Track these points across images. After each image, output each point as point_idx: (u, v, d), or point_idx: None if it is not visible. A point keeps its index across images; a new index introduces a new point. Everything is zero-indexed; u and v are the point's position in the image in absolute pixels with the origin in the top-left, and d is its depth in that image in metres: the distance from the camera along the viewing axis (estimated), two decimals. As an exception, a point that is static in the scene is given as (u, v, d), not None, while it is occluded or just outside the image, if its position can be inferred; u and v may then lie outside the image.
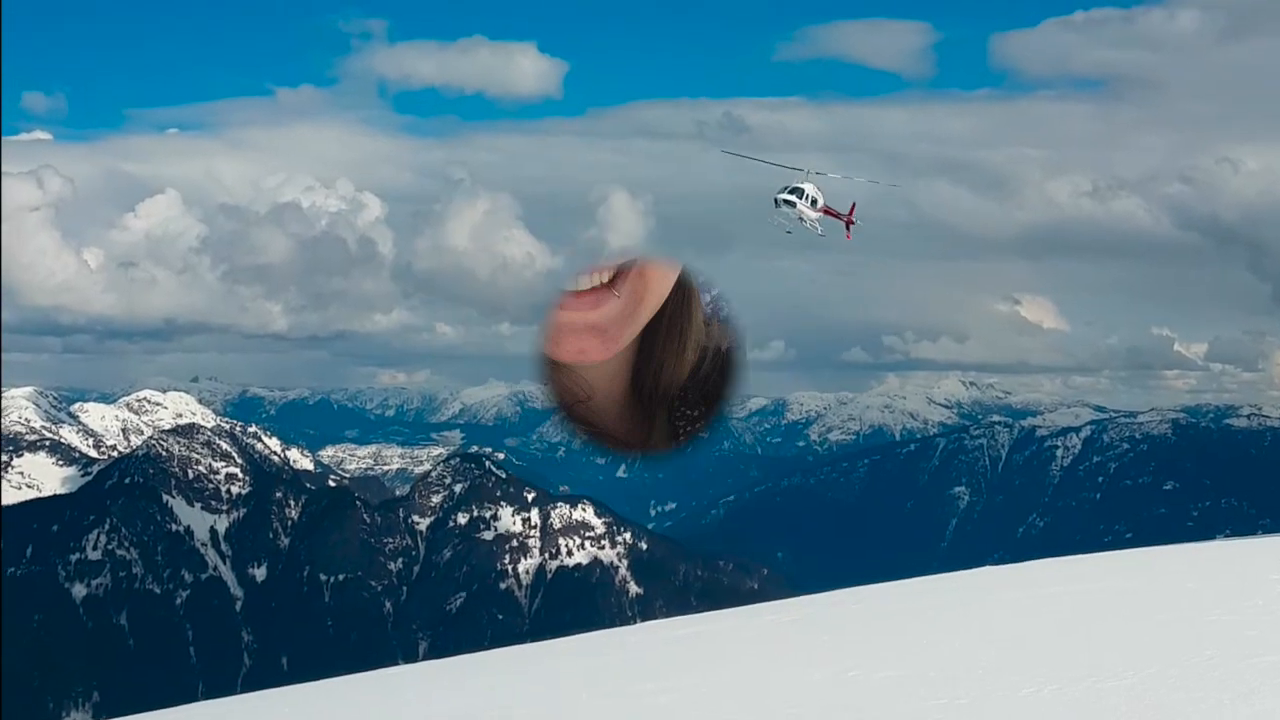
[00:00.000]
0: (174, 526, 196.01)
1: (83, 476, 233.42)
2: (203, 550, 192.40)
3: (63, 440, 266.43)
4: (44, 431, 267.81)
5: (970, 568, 37.22)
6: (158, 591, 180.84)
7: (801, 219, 77.26)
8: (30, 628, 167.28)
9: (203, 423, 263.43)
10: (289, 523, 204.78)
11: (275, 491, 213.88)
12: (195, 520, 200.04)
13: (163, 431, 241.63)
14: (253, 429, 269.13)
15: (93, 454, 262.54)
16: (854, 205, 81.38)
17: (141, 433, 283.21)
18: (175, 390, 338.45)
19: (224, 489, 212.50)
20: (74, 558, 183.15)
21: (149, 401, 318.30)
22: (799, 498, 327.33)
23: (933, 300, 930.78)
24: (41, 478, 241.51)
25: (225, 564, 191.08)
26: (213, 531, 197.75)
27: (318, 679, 24.51)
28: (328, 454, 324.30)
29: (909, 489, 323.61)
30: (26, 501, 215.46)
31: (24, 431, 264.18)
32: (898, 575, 35.15)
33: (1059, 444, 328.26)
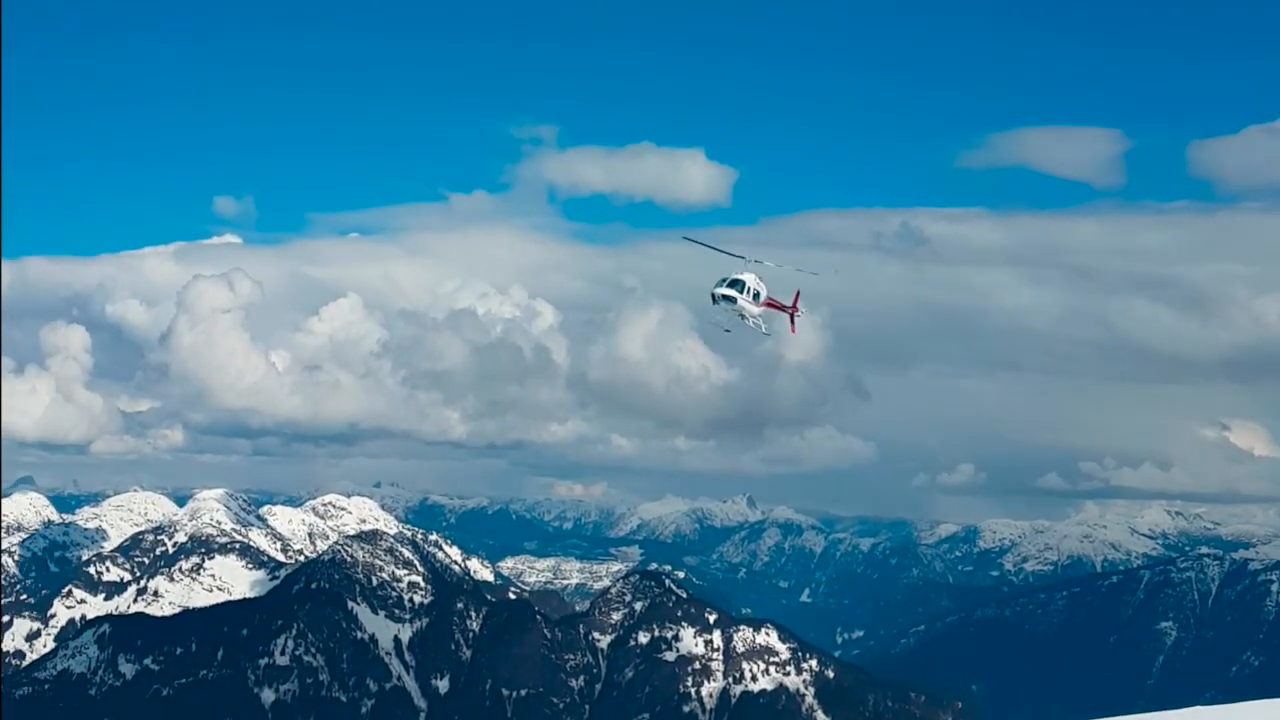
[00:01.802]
0: (359, 634, 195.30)
1: (271, 580, 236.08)
2: (387, 659, 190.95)
3: (252, 543, 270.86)
4: (234, 534, 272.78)
5: (1180, 707, 34.73)
6: (344, 700, 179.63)
7: (744, 316, 67.60)
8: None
9: (385, 529, 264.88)
10: (470, 634, 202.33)
11: (457, 602, 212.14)
12: (379, 628, 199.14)
13: (347, 537, 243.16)
14: (434, 537, 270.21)
15: (280, 558, 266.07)
16: (798, 294, 73.62)
17: (327, 537, 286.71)
18: (359, 495, 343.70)
19: (407, 597, 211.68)
20: (263, 662, 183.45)
21: (334, 506, 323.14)
22: (994, 629, 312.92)
23: (1133, 424, 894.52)
24: (232, 580, 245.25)
25: (409, 674, 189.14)
26: (396, 641, 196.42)
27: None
28: (507, 565, 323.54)
29: (1111, 623, 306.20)
30: (217, 605, 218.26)
31: (215, 534, 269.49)
32: (1100, 713, 32.81)
33: (1274, 578, 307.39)
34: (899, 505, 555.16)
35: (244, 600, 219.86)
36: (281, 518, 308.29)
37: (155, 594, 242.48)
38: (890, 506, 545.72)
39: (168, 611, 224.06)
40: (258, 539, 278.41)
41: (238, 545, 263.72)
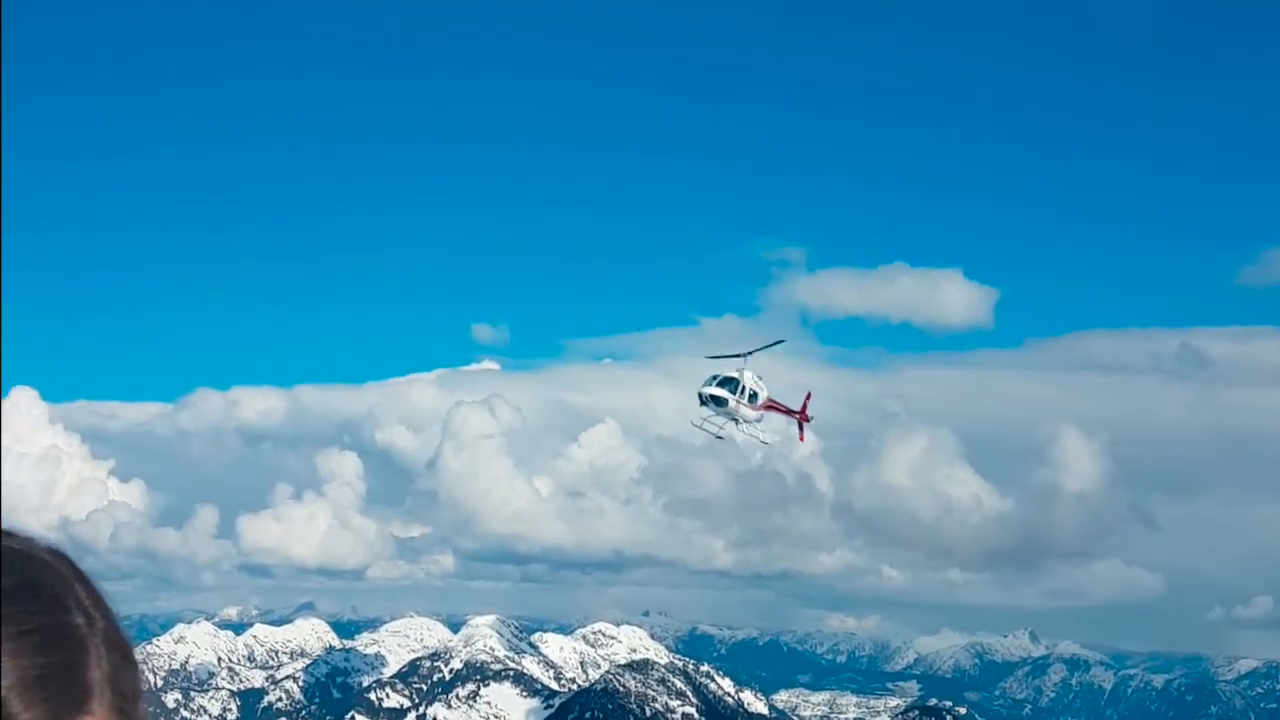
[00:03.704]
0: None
1: (545, 709, 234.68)
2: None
3: (525, 671, 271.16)
4: (508, 661, 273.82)
5: None
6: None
7: (736, 420, 53.77)
8: None
9: (656, 659, 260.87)
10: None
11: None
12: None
13: (619, 666, 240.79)
14: (705, 668, 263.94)
15: (554, 685, 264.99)
16: (809, 396, 59.80)
17: (598, 666, 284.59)
18: (628, 624, 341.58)
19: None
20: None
21: (604, 635, 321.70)
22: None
23: None
24: (507, 708, 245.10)
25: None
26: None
27: None
28: (781, 698, 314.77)
29: None
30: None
31: (489, 660, 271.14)
32: None
33: None
34: (1192, 640, 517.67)
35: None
36: (553, 645, 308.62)
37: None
38: (1183, 641, 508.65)
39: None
40: (530, 666, 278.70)
41: (511, 673, 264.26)
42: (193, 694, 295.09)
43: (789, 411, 57.37)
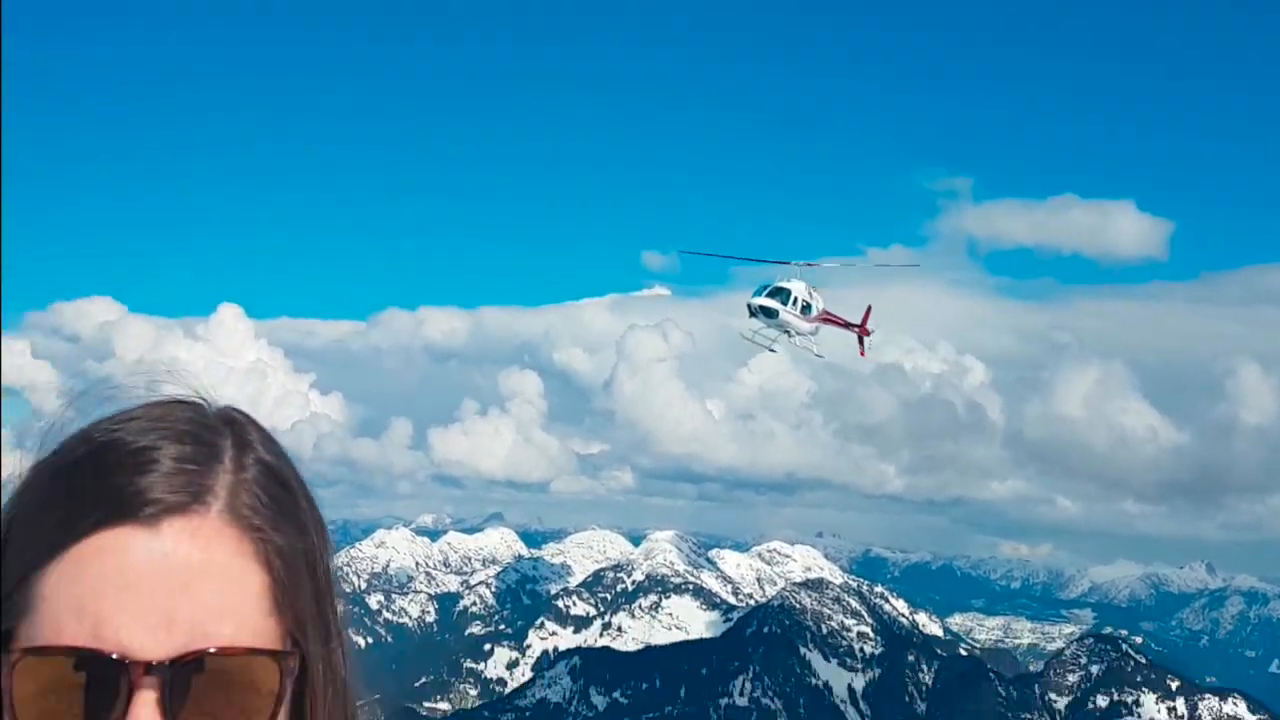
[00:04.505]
0: (813, 680, 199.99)
1: (724, 622, 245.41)
2: (842, 707, 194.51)
3: (704, 585, 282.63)
4: (687, 575, 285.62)
5: None
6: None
7: (789, 333, 51.24)
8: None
9: (831, 579, 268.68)
10: (924, 688, 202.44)
11: (907, 654, 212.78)
12: (832, 675, 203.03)
13: (794, 584, 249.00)
14: (879, 589, 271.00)
15: (731, 600, 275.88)
16: (869, 310, 57.42)
17: (774, 583, 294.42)
18: (802, 544, 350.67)
19: (857, 647, 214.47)
20: (723, 702, 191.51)
21: (779, 553, 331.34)
22: None
23: None
24: (688, 620, 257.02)
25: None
26: (850, 690, 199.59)
27: None
28: (956, 621, 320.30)
29: None
30: (676, 643, 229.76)
31: (669, 574, 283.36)
32: None
33: None
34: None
35: (701, 640, 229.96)
36: (730, 561, 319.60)
37: (619, 629, 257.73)
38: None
39: (631, 647, 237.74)
40: (709, 581, 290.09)
41: (691, 586, 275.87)
42: (394, 596, 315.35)
43: (848, 325, 54.53)
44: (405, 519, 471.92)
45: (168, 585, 1.53)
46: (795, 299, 48.80)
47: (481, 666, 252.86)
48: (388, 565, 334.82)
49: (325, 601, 1.77)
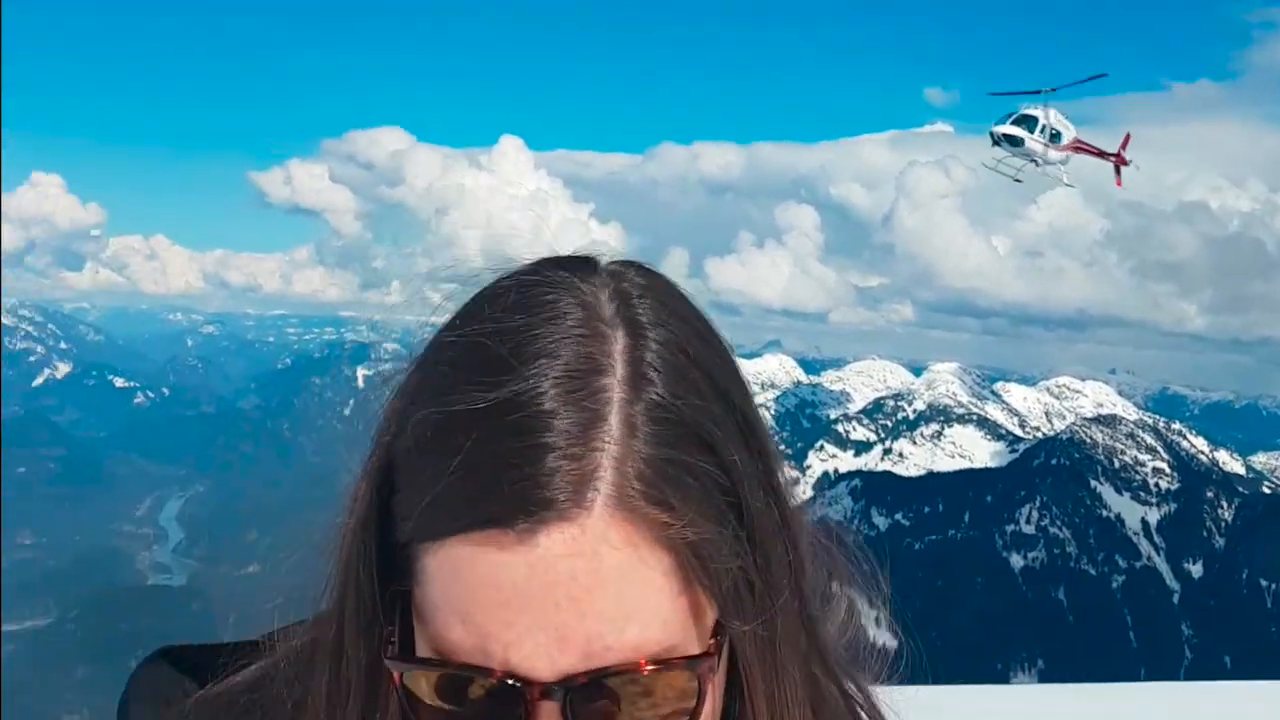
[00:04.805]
0: (1103, 512, 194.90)
1: (1010, 452, 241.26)
2: (1135, 539, 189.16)
3: (988, 416, 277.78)
4: (970, 406, 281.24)
5: None
6: (1092, 573, 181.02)
7: (1035, 161, 47.89)
8: (973, 589, 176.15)
9: (1124, 415, 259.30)
10: (1223, 524, 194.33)
11: (1205, 491, 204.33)
12: (1124, 508, 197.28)
13: (1085, 419, 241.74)
14: (1176, 426, 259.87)
15: (1017, 432, 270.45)
16: (1127, 138, 49.28)
17: (1063, 417, 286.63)
18: (1093, 380, 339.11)
19: (1151, 482, 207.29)
20: (1009, 529, 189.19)
21: (1068, 388, 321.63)
22: None
23: None
24: (971, 449, 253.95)
25: (1159, 555, 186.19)
26: (1144, 522, 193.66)
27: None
28: (1259, 460, 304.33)
29: None
30: (960, 471, 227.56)
31: (952, 404, 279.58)
32: None
33: None
34: None
35: (985, 469, 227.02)
36: (1015, 395, 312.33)
37: (900, 455, 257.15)
38: None
39: (912, 472, 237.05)
40: (993, 412, 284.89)
41: (974, 417, 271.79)
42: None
43: (1103, 154, 51.25)
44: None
45: (553, 601, 1.19)
46: (1043, 127, 46.06)
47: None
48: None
49: (772, 548, 1.16)
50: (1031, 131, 45.35)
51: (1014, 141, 45.55)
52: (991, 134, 45.82)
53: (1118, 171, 51.51)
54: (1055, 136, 46.15)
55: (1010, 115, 45.60)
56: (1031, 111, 45.44)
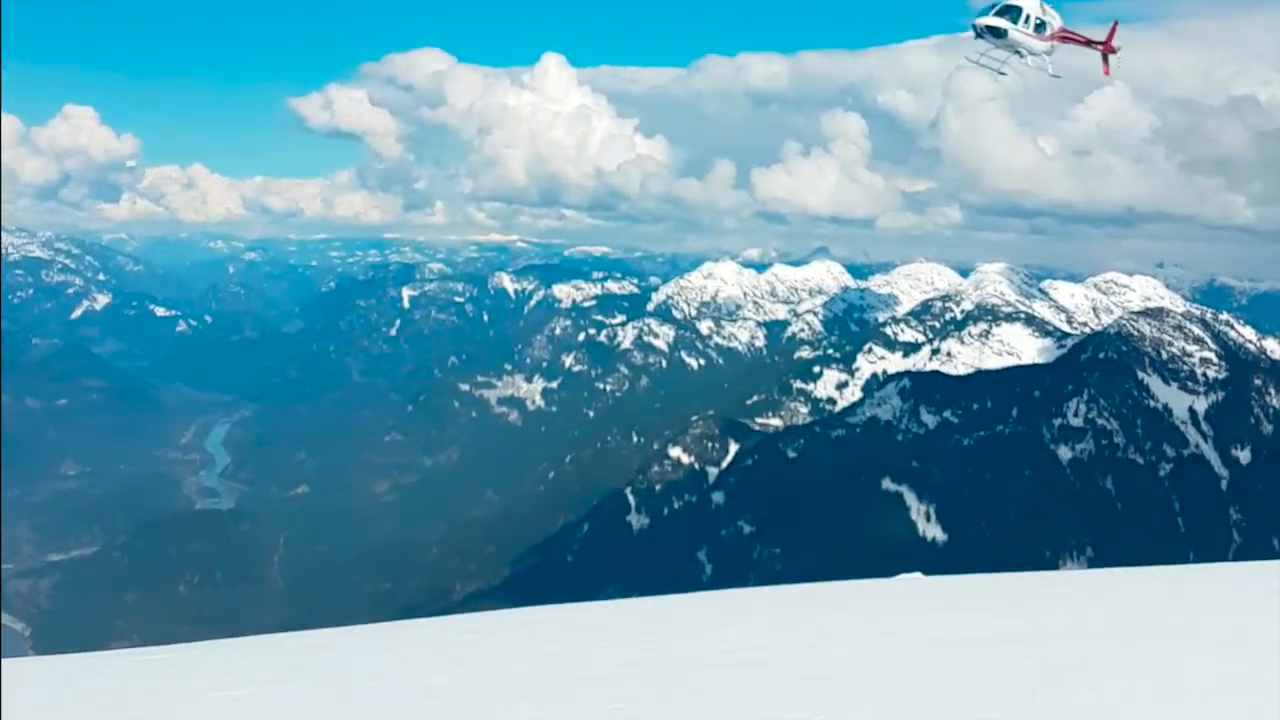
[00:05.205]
0: (1151, 403, 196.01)
1: (1058, 348, 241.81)
2: (1182, 428, 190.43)
3: (1036, 314, 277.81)
4: (1018, 305, 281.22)
5: None
6: (1140, 462, 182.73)
7: (1020, 52, 45.30)
8: (1021, 481, 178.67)
9: (1172, 307, 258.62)
10: (1270, 409, 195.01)
11: (1253, 378, 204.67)
12: (1172, 398, 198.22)
13: (1132, 313, 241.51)
14: (1224, 316, 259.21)
15: (1065, 328, 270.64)
16: (1115, 26, 47.12)
17: (1110, 312, 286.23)
18: (1140, 275, 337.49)
19: (1199, 371, 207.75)
20: (1056, 422, 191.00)
21: (1115, 284, 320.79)
22: None
23: None
24: (1019, 347, 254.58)
25: (1206, 443, 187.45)
26: (1191, 411, 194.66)
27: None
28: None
29: None
30: (1008, 368, 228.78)
31: (999, 303, 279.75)
32: None
33: None
34: None
35: (1033, 365, 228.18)
36: (1063, 292, 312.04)
37: (948, 354, 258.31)
38: None
39: (960, 371, 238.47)
40: (1041, 310, 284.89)
41: (1022, 315, 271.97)
42: (723, 323, 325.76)
43: (1089, 43, 48.80)
44: (731, 253, 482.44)
45: None
46: (1027, 16, 44.38)
47: (811, 387, 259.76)
48: (716, 295, 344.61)
49: None
50: (1015, 22, 43.99)
51: (997, 33, 44.02)
52: (974, 26, 44.14)
53: (1105, 60, 50.28)
54: (1040, 26, 44.83)
55: (994, 6, 44.02)
56: (1014, 1, 43.87)
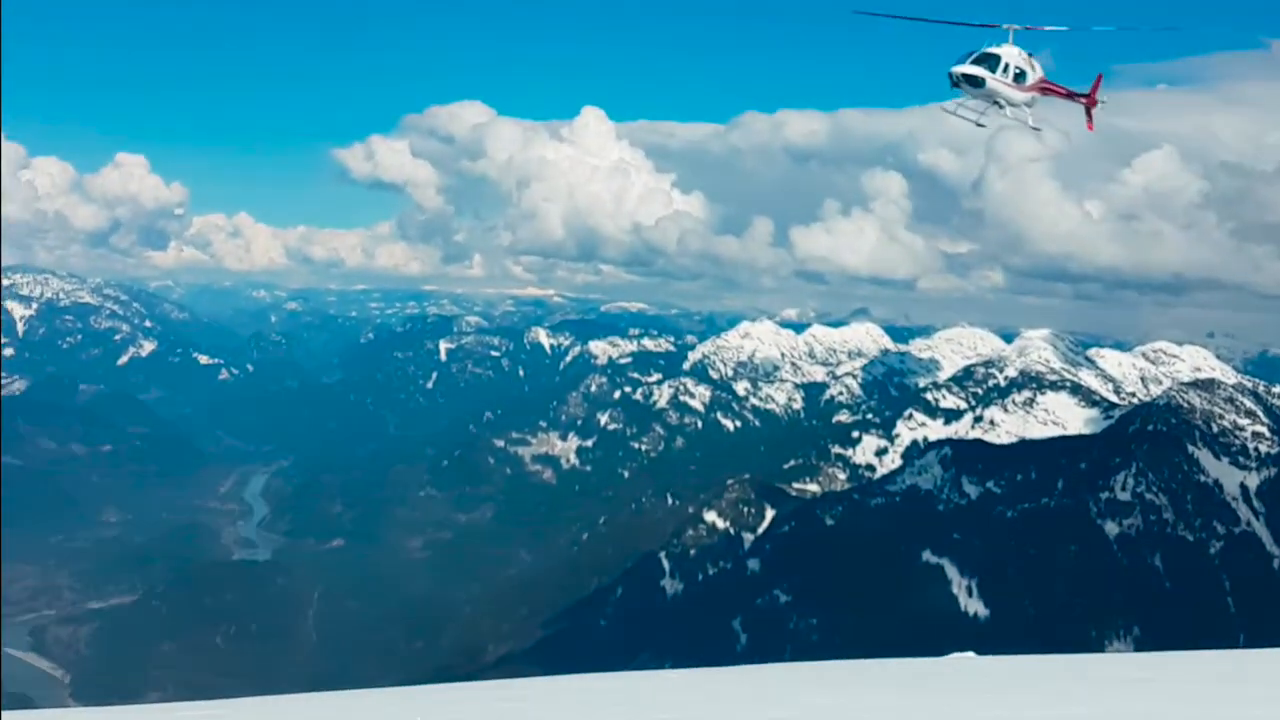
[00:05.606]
0: (1201, 478, 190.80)
1: (1104, 419, 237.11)
2: (1233, 504, 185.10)
3: (1082, 382, 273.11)
4: (1063, 373, 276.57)
5: None
6: (1190, 539, 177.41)
7: (999, 104, 43.83)
8: (1067, 557, 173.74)
9: (1223, 378, 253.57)
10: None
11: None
12: (1223, 474, 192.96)
13: (1182, 384, 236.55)
14: (1276, 389, 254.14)
15: (1112, 398, 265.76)
16: (1099, 79, 44.14)
17: (1159, 382, 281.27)
18: (1190, 344, 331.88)
19: (1250, 446, 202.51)
20: (1104, 496, 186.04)
21: (1164, 353, 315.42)
22: None
23: None
24: (1065, 416, 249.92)
25: (1258, 520, 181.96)
26: (1243, 487, 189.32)
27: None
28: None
29: None
30: (1053, 438, 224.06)
31: (1044, 371, 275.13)
32: None
33: None
34: None
35: (1080, 436, 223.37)
36: (1110, 360, 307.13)
37: (991, 423, 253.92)
38: None
39: (1004, 440, 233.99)
40: (1087, 378, 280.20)
41: (1068, 383, 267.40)
42: (760, 384, 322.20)
43: (1071, 95, 46.75)
44: (769, 311, 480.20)
45: None
46: (1006, 65, 42.57)
47: (850, 452, 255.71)
48: (753, 355, 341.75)
49: None
50: (994, 71, 42.24)
51: (975, 82, 42.23)
52: (950, 75, 42.25)
53: (1088, 114, 48.03)
54: (1020, 76, 43.01)
55: (970, 55, 42.34)
56: (994, 50, 42.22)
